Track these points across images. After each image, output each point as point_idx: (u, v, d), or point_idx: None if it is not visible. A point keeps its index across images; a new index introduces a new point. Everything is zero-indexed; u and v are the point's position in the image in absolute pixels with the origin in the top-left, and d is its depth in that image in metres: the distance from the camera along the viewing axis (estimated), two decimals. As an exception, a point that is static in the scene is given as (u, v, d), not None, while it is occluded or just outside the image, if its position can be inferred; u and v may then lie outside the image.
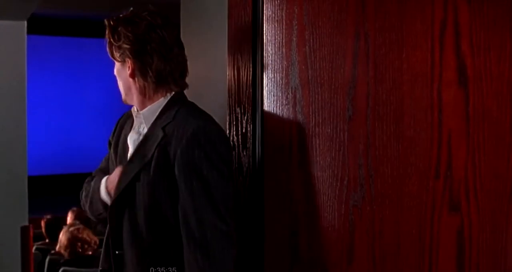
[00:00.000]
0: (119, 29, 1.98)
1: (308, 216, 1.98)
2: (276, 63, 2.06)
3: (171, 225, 1.93)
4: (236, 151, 2.18)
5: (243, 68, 2.17)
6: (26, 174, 4.91)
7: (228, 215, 1.91)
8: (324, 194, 1.94)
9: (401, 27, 1.79)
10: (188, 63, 2.06)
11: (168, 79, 2.00)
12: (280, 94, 2.05)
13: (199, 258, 1.88)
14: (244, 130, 2.16)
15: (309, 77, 1.97)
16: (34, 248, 5.22)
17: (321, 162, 1.95)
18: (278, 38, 2.05)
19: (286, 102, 2.03)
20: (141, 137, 2.02)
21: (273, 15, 2.07)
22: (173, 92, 2.03)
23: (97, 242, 4.79)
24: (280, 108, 2.05)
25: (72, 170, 10.55)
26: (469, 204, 1.68)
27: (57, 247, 4.94)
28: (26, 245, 4.76)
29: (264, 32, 2.10)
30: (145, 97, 2.02)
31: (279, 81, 2.06)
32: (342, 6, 1.90)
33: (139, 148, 1.99)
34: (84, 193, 2.17)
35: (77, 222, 5.42)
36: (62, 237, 4.83)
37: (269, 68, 2.09)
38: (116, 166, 2.07)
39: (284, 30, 2.04)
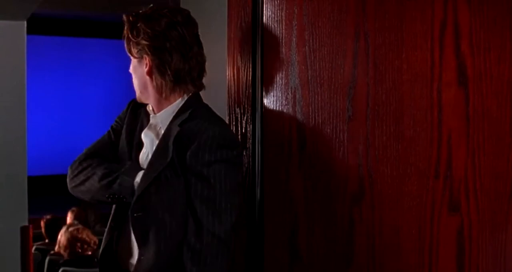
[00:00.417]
0: (139, 25, 1.95)
1: (308, 216, 1.98)
2: (276, 63, 2.06)
3: (185, 223, 1.90)
4: (236, 151, 2.18)
5: (243, 68, 2.17)
6: (26, 174, 4.90)
7: (229, 225, 1.88)
8: (324, 194, 1.94)
9: (401, 27, 1.79)
10: (188, 63, 2.06)
11: (186, 79, 1.97)
12: (280, 94, 2.05)
13: (189, 264, 1.86)
14: (244, 130, 2.16)
15: (309, 77, 1.97)
16: (33, 248, 5.21)
17: (321, 162, 1.94)
18: (278, 38, 2.05)
19: (286, 102, 2.03)
20: (158, 138, 1.99)
21: (273, 15, 2.07)
22: (190, 93, 2.00)
23: (97, 242, 4.79)
24: (280, 108, 2.05)
25: (72, 170, 10.52)
26: (469, 204, 1.68)
27: (56, 247, 4.94)
28: (26, 245, 4.76)
29: (264, 32, 2.10)
30: (162, 96, 1.99)
31: (278, 81, 2.05)
32: (342, 6, 1.90)
33: (159, 148, 1.95)
34: (82, 176, 2.07)
35: (77, 222, 5.42)
36: (62, 237, 4.83)
37: (269, 68, 2.09)
38: (128, 159, 2.03)
39: (283, 30, 2.04)
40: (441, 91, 1.72)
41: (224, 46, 2.24)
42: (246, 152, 2.15)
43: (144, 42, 1.95)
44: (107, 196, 1.97)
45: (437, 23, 1.72)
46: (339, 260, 1.91)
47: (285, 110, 2.03)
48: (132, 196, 1.96)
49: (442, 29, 1.72)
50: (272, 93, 2.07)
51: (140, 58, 1.98)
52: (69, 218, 6.09)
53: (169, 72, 1.95)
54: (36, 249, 5.32)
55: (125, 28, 1.98)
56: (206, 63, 2.21)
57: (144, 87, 2.02)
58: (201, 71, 2.01)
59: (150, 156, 1.99)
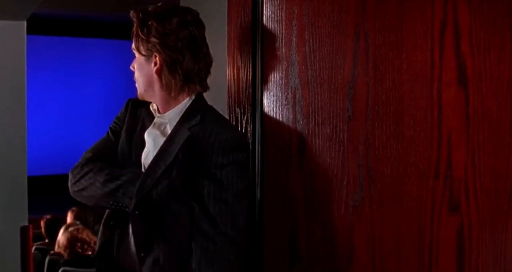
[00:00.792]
0: (150, 22, 1.93)
1: (308, 216, 1.98)
2: (276, 63, 2.06)
3: (187, 221, 1.91)
4: (236, 151, 2.18)
5: (243, 68, 2.17)
6: (26, 174, 4.90)
7: (241, 228, 1.90)
8: (324, 194, 1.94)
9: (401, 27, 1.79)
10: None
11: (195, 79, 1.98)
12: (280, 94, 2.05)
13: (200, 264, 1.87)
14: (244, 130, 2.16)
15: (309, 77, 1.97)
16: (33, 248, 5.21)
17: (320, 162, 1.94)
18: (278, 38, 2.05)
19: (286, 102, 2.03)
20: (163, 137, 1.98)
21: (273, 15, 2.07)
22: (197, 93, 2.00)
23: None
24: (280, 108, 2.05)
25: (72, 170, 10.53)
26: (469, 204, 1.68)
27: (56, 247, 4.94)
28: (26, 245, 4.76)
29: (264, 32, 2.10)
30: (170, 96, 1.98)
31: (279, 81, 2.05)
32: (342, 6, 1.90)
33: (165, 149, 1.95)
34: (84, 182, 2.04)
35: (77, 222, 5.42)
36: (62, 237, 4.83)
37: (269, 68, 2.09)
38: (129, 159, 2.03)
39: (283, 30, 2.04)
40: (441, 91, 1.72)
41: (224, 46, 2.24)
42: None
43: (155, 40, 1.93)
44: (111, 203, 1.97)
45: (437, 23, 1.72)
46: (339, 260, 1.91)
47: (285, 110, 2.03)
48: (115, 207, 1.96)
49: (442, 29, 1.72)
50: (272, 93, 2.07)
51: (149, 56, 1.96)
52: (69, 218, 6.09)
53: (180, 72, 1.95)
54: (36, 249, 5.32)
55: (135, 25, 1.96)
56: (206, 63, 2.20)
57: (149, 85, 2.00)
58: (208, 72, 2.02)
59: (151, 155, 1.99)
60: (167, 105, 2.00)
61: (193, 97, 2.00)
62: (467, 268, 1.69)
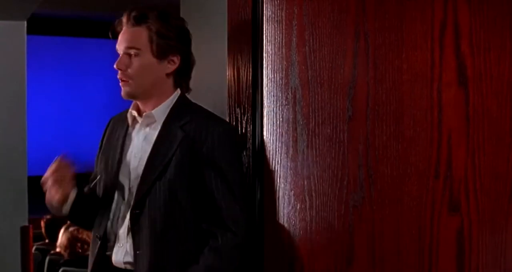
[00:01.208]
0: (171, 22, 1.98)
1: (308, 216, 1.98)
2: (276, 63, 2.06)
3: (188, 219, 1.96)
4: (236, 151, 2.18)
5: (243, 68, 2.17)
6: (26, 174, 4.90)
7: (246, 220, 1.99)
8: (324, 194, 1.94)
9: (401, 27, 1.79)
10: (188, 63, 2.07)
11: (187, 79, 2.07)
12: (280, 94, 2.05)
13: (208, 257, 1.93)
14: (244, 130, 2.16)
15: (309, 77, 1.97)
16: (33, 248, 5.21)
17: (321, 162, 1.94)
18: (278, 38, 2.05)
19: (286, 102, 2.03)
20: (154, 135, 2.01)
21: (273, 15, 2.07)
22: (178, 90, 2.06)
23: (97, 242, 4.78)
24: (280, 108, 2.05)
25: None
26: (469, 204, 1.68)
27: (56, 247, 4.94)
28: (26, 245, 4.76)
29: (264, 32, 2.10)
30: (165, 95, 2.03)
31: (279, 81, 2.05)
32: (342, 6, 1.90)
33: (158, 147, 1.98)
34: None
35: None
36: (62, 237, 4.82)
37: (269, 68, 2.09)
38: (104, 170, 2.08)
39: (284, 30, 2.04)
40: (441, 91, 1.72)
41: (224, 46, 2.24)
42: (246, 152, 2.15)
43: (175, 41, 1.99)
44: None
45: (437, 23, 1.72)
46: (339, 260, 1.91)
47: (285, 110, 2.03)
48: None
49: (442, 29, 1.72)
50: (272, 93, 2.07)
51: (163, 58, 1.98)
52: (69, 218, 6.07)
53: (188, 73, 2.04)
54: (36, 249, 5.32)
55: (152, 25, 1.96)
56: (207, 63, 2.23)
57: (154, 85, 2.02)
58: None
59: (136, 153, 2.01)
60: (158, 103, 2.02)
61: (179, 93, 2.05)
62: (467, 268, 1.69)
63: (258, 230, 2.11)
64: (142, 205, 1.96)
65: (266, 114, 2.09)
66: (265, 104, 2.09)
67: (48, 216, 5.79)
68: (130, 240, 1.99)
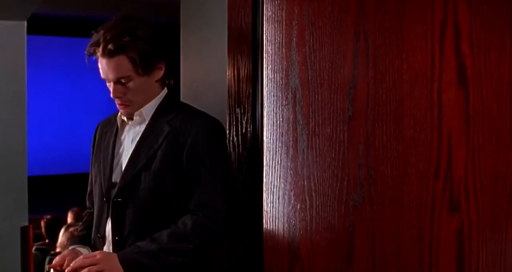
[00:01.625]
0: (143, 36, 2.00)
1: (308, 216, 1.98)
2: (276, 63, 2.06)
3: (172, 210, 1.99)
4: (236, 151, 2.18)
5: (243, 68, 2.17)
6: (26, 174, 4.90)
7: (229, 216, 2.00)
8: (324, 194, 1.94)
9: (401, 27, 1.79)
10: (188, 63, 2.08)
11: (172, 77, 2.12)
12: (280, 94, 2.05)
13: (178, 244, 1.95)
14: (244, 130, 2.16)
15: (309, 77, 1.97)
16: (33, 248, 5.21)
17: (321, 162, 1.94)
18: (278, 39, 2.05)
19: (286, 103, 2.03)
20: (140, 130, 2.07)
21: (273, 15, 2.07)
22: (166, 88, 2.11)
23: (97, 242, 4.77)
24: (280, 108, 2.05)
25: (72, 170, 10.54)
26: (469, 204, 1.68)
27: (56, 248, 4.94)
28: (26, 245, 4.76)
29: (264, 32, 2.10)
30: (153, 95, 2.08)
31: (279, 81, 2.05)
32: (342, 6, 1.90)
33: (145, 139, 2.03)
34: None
35: (78, 223, 5.41)
36: (62, 237, 4.82)
37: (269, 68, 2.09)
38: (98, 173, 2.12)
39: (284, 30, 2.04)
40: (441, 91, 1.72)
41: (224, 46, 2.24)
42: (246, 152, 2.15)
43: (155, 50, 2.02)
44: None
45: (437, 23, 1.72)
46: (339, 260, 1.91)
47: (285, 110, 2.03)
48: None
49: (442, 29, 1.72)
50: (272, 93, 2.07)
51: (150, 71, 2.03)
52: (69, 218, 6.09)
53: (174, 71, 2.12)
54: (36, 249, 5.31)
55: (133, 47, 1.98)
56: (206, 63, 2.23)
57: (148, 96, 2.08)
58: None
59: (128, 151, 2.06)
60: (146, 102, 2.07)
61: (166, 91, 2.11)
62: (467, 268, 1.69)
63: (258, 230, 2.11)
64: (125, 194, 2.01)
65: (266, 114, 2.09)
66: (265, 104, 2.09)
67: (48, 216, 5.79)
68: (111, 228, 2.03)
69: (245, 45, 2.16)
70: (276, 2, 2.06)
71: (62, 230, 4.91)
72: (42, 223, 5.77)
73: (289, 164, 2.03)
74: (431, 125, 1.73)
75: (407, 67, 1.78)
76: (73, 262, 1.91)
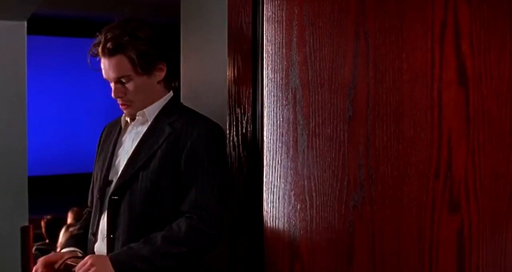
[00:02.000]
0: (143, 36, 2.02)
1: (309, 216, 1.98)
2: (276, 64, 2.06)
3: (167, 210, 2.00)
4: (236, 151, 2.18)
5: (243, 68, 2.17)
6: (26, 174, 4.90)
7: (221, 219, 2.00)
8: (324, 194, 1.94)
9: (401, 27, 1.79)
10: (188, 63, 2.08)
11: (176, 79, 2.12)
12: (280, 95, 2.05)
13: (172, 247, 1.94)
14: (244, 130, 2.16)
15: (309, 78, 1.97)
16: (34, 248, 5.21)
17: (321, 162, 1.94)
18: (278, 39, 2.05)
19: (286, 103, 2.03)
20: (141, 130, 2.08)
21: (273, 15, 2.07)
22: (171, 92, 2.12)
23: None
24: (280, 108, 2.05)
25: (72, 170, 10.55)
26: (469, 204, 1.68)
27: (57, 248, 4.94)
28: (26, 245, 4.76)
29: (264, 32, 2.10)
30: (156, 96, 2.09)
31: (279, 81, 2.05)
32: (342, 6, 1.90)
33: (146, 140, 2.04)
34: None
35: (77, 222, 5.41)
36: (62, 237, 4.82)
37: (269, 68, 2.09)
38: (97, 172, 2.13)
39: (284, 30, 2.04)
40: (441, 91, 1.72)
41: (224, 46, 2.24)
42: (246, 152, 2.15)
43: (155, 50, 2.03)
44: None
45: (437, 23, 1.72)
46: (339, 260, 1.91)
47: (285, 110, 2.03)
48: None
49: (442, 29, 1.72)
50: (272, 93, 2.07)
51: (151, 71, 2.04)
52: (69, 218, 6.08)
53: (177, 72, 2.14)
54: (36, 249, 5.31)
55: (131, 47, 2.00)
56: (206, 63, 2.23)
57: (150, 97, 2.08)
58: None
59: (128, 150, 2.08)
60: (149, 103, 2.08)
61: (171, 94, 2.12)
62: (467, 268, 1.69)
63: (258, 230, 2.11)
64: (122, 192, 2.02)
65: (266, 114, 2.09)
66: (265, 104, 2.09)
67: (48, 216, 5.79)
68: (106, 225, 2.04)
69: (245, 45, 2.16)
70: (276, 2, 2.06)
71: (62, 230, 4.91)
72: (42, 223, 5.77)
73: (289, 164, 2.03)
74: (431, 125, 1.73)
75: (407, 67, 1.78)
76: None
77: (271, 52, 2.07)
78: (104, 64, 2.05)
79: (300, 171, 1.99)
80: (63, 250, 2.13)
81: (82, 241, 2.14)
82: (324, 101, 1.94)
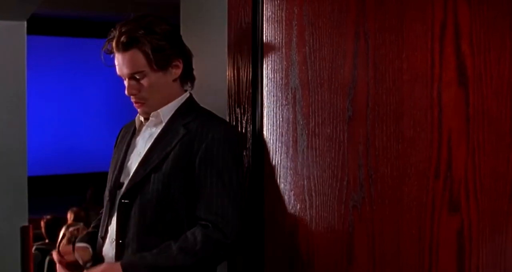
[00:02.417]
0: (159, 31, 1.97)
1: (308, 216, 1.98)
2: (276, 63, 2.06)
3: (179, 215, 1.94)
4: (236, 151, 2.18)
5: (243, 68, 2.17)
6: (26, 174, 4.90)
7: (238, 226, 1.93)
8: (324, 194, 1.94)
9: (401, 27, 1.79)
10: (188, 63, 2.07)
11: (192, 78, 2.08)
12: (280, 95, 2.05)
13: (187, 259, 1.89)
14: (244, 130, 2.16)
15: (309, 78, 1.97)
16: (33, 248, 5.21)
17: (321, 162, 1.94)
18: (278, 39, 2.05)
19: (286, 103, 2.03)
20: (155, 132, 2.03)
21: (273, 15, 2.07)
22: (188, 92, 2.07)
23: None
24: (280, 108, 2.05)
25: (72, 170, 10.55)
26: (469, 204, 1.68)
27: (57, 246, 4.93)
28: (26, 245, 4.76)
29: (264, 32, 2.10)
30: (172, 96, 2.04)
31: (279, 81, 2.05)
32: (342, 6, 1.90)
33: (159, 141, 1.99)
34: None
35: (80, 223, 5.42)
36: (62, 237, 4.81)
37: (269, 68, 2.09)
38: (110, 173, 2.09)
39: (284, 30, 2.04)
40: (441, 91, 1.72)
41: (224, 46, 2.24)
42: (246, 152, 2.15)
43: (171, 46, 1.98)
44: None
45: (437, 23, 1.72)
46: (339, 260, 1.91)
47: (285, 110, 2.03)
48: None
49: (442, 29, 1.72)
50: (272, 93, 2.07)
51: (166, 67, 1.99)
52: (69, 218, 6.09)
53: (192, 70, 2.07)
54: (36, 249, 5.32)
55: (146, 41, 1.95)
56: (207, 63, 2.23)
57: (164, 95, 2.03)
58: None
59: (141, 151, 2.03)
60: (165, 103, 2.03)
61: (188, 94, 2.06)
62: (467, 268, 1.69)
63: (258, 230, 2.11)
64: (133, 195, 1.97)
65: (266, 114, 2.09)
66: (265, 104, 2.09)
67: (48, 216, 5.79)
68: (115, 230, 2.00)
69: (245, 45, 2.16)
70: (276, 2, 2.06)
71: (62, 230, 4.91)
72: (42, 223, 5.77)
73: (289, 164, 2.03)
74: (431, 125, 1.73)
75: (407, 67, 1.78)
76: None
77: (271, 52, 2.07)
78: (118, 59, 1.98)
79: (300, 171, 1.99)
80: (76, 245, 2.09)
81: (95, 239, 2.11)
82: (323, 101, 1.94)
